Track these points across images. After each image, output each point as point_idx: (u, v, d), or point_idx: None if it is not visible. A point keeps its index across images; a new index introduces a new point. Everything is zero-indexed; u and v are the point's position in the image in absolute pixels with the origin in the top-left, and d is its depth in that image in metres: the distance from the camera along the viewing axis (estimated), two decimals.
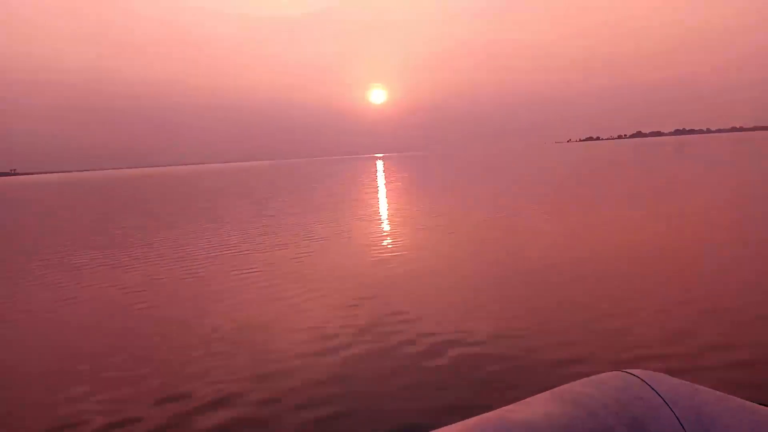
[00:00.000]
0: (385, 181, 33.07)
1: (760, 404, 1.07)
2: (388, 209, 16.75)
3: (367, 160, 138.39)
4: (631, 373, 1.04)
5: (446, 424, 0.97)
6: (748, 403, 1.03)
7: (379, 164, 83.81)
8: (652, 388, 0.97)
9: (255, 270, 8.21)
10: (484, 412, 1.03)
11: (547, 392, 1.04)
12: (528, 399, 1.02)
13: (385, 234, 11.28)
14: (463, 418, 1.02)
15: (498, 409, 0.99)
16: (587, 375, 1.19)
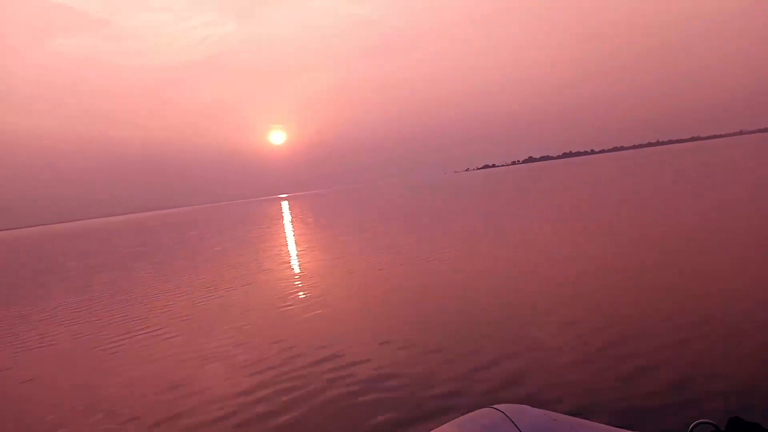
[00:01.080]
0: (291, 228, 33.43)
1: (621, 427, 1.13)
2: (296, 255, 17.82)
3: (273, 201, 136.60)
4: (497, 409, 1.06)
5: None
6: (602, 426, 1.07)
7: (284, 204, 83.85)
8: (513, 422, 1.00)
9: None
10: None
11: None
12: None
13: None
14: None
15: None
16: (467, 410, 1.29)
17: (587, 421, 1.26)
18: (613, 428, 1.27)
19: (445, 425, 1.27)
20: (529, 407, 1.30)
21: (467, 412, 1.29)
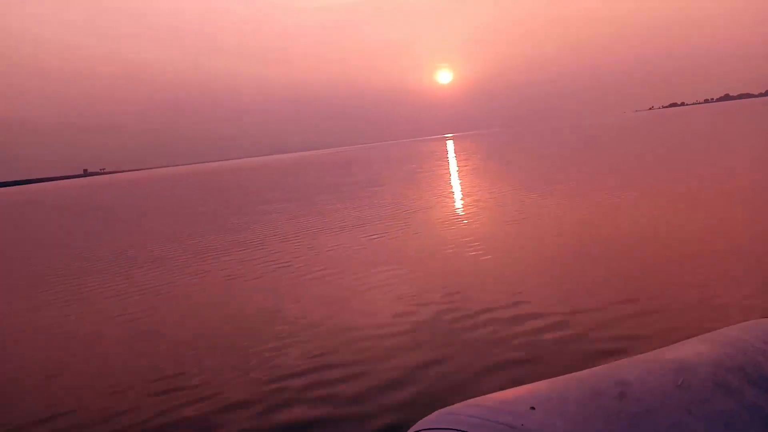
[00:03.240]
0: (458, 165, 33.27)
1: None
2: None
3: (439, 141, 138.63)
4: None
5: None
6: None
7: (450, 144, 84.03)
8: None
9: None
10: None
11: (694, 338, 1.06)
12: (676, 344, 1.04)
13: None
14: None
15: (651, 352, 1.03)
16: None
17: None
18: None
19: (720, 329, 1.09)
20: None
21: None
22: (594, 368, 0.99)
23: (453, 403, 0.94)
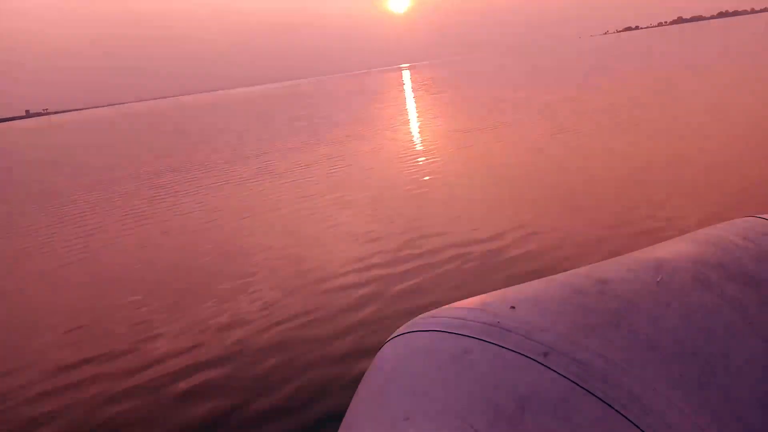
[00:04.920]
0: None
1: None
2: None
3: (394, 71, 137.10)
4: (761, 217, 1.03)
5: None
6: None
7: (406, 74, 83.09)
8: None
9: None
10: None
11: (676, 238, 1.06)
12: (657, 244, 1.04)
13: None
14: None
15: (631, 252, 1.03)
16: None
17: None
18: None
19: (706, 228, 1.08)
20: None
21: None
22: (575, 269, 0.98)
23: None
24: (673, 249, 1.01)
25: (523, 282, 0.98)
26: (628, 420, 0.71)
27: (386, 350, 0.91)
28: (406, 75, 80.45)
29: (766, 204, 5.25)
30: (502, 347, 0.79)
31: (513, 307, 0.85)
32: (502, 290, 0.94)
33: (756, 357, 0.83)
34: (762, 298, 0.88)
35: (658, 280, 0.91)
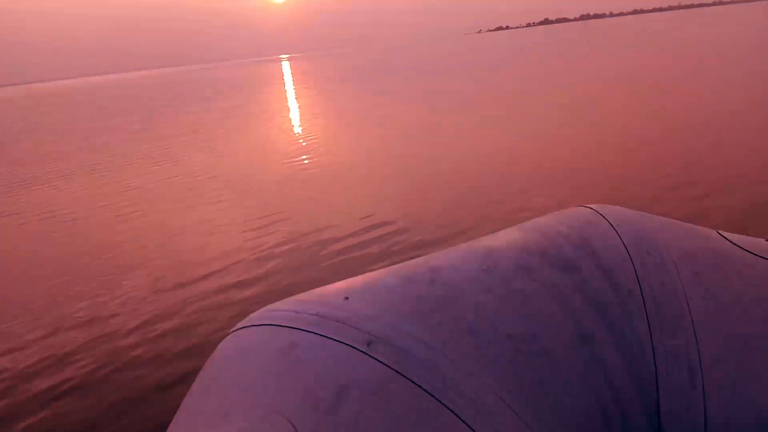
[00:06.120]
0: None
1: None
2: None
3: (274, 62, 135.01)
4: (589, 207, 1.09)
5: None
6: (691, 225, 1.08)
7: (286, 65, 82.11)
8: (602, 216, 1.04)
9: None
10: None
11: (511, 227, 1.08)
12: (493, 233, 1.06)
13: None
14: None
15: (467, 242, 1.04)
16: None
17: (680, 222, 1.08)
18: (704, 228, 1.08)
19: (539, 217, 1.09)
20: (620, 207, 1.09)
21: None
22: (411, 260, 0.99)
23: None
24: (504, 238, 1.03)
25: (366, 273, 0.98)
26: (442, 404, 0.73)
27: (220, 346, 0.88)
28: (286, 67, 79.45)
29: (607, 195, 5.76)
30: (329, 338, 0.79)
31: (347, 298, 0.86)
32: (342, 281, 0.94)
33: (567, 338, 0.87)
34: (576, 283, 0.92)
35: (485, 268, 0.94)
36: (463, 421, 0.74)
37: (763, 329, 0.90)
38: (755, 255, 1.00)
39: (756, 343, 0.89)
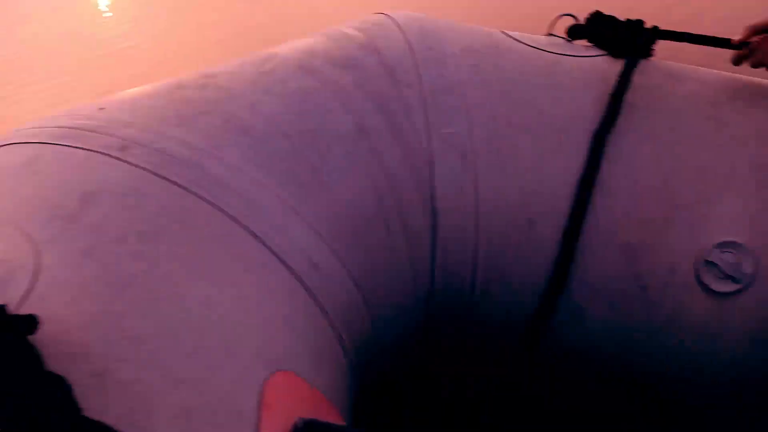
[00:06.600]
0: None
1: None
2: None
3: None
4: (384, 13, 1.09)
5: None
6: (477, 26, 1.09)
7: None
8: (393, 20, 1.03)
9: None
10: None
11: (308, 35, 1.07)
12: (287, 42, 1.05)
13: None
14: None
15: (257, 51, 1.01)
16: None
17: (471, 25, 1.08)
18: (494, 30, 1.08)
19: (317, 32, 1.06)
20: (415, 13, 1.08)
21: None
22: (194, 71, 0.94)
23: None
24: (291, 44, 1.00)
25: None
26: (205, 200, 0.71)
27: None
28: None
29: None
30: (77, 148, 0.73)
31: (102, 109, 0.79)
32: (106, 97, 0.87)
33: (345, 132, 0.87)
34: (356, 80, 0.91)
35: (263, 70, 0.90)
36: (230, 216, 0.72)
37: (531, 113, 0.93)
38: (534, 47, 1.01)
39: (524, 124, 0.92)
